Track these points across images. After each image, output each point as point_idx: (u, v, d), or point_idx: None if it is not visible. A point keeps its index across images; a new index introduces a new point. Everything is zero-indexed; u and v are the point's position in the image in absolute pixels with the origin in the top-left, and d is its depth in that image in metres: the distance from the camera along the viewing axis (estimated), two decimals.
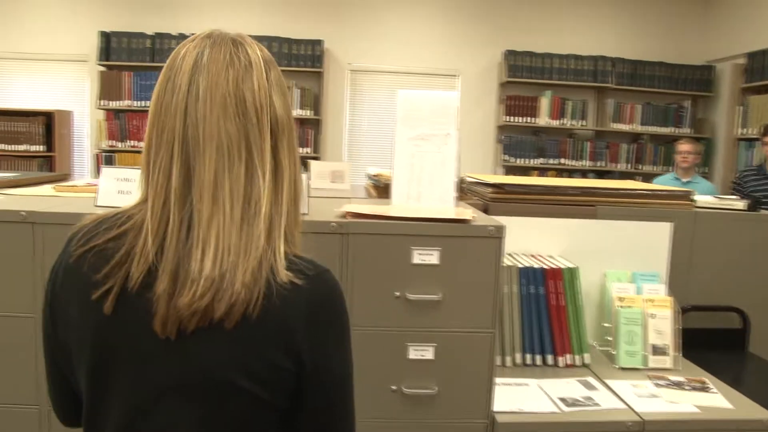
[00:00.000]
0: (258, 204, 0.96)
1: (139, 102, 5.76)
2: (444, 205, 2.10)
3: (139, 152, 5.82)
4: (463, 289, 1.86)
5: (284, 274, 0.95)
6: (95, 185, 2.55)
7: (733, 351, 2.68)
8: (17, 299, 1.81)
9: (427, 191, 2.14)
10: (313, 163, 3.01)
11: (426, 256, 1.85)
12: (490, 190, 2.60)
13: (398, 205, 2.08)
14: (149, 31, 5.80)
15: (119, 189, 1.94)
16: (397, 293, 1.83)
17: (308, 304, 0.97)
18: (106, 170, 1.95)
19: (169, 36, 5.77)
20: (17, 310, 1.81)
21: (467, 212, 2.01)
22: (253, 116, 0.97)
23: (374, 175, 2.84)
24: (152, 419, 0.96)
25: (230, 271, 0.92)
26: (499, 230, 1.86)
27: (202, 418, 0.95)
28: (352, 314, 1.83)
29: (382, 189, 2.57)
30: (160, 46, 5.75)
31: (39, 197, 2.18)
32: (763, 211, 2.90)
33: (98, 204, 1.93)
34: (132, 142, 5.82)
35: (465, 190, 2.81)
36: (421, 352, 1.85)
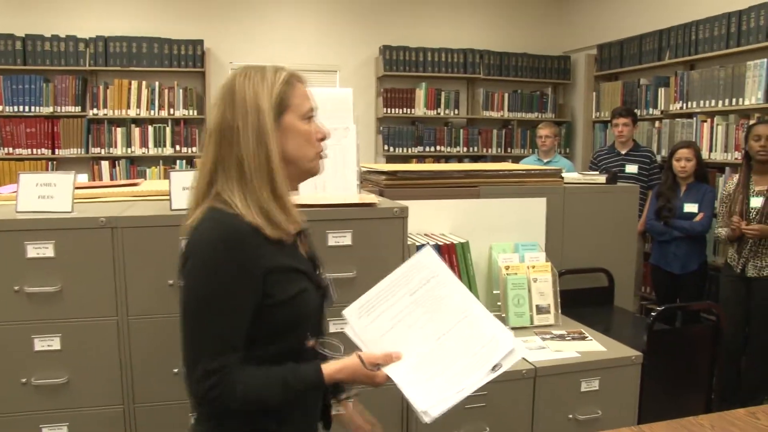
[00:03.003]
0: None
1: (11, 107, 5.48)
2: (348, 192, 2.30)
3: (16, 160, 5.58)
4: (374, 265, 2.06)
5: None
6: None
7: (602, 306, 3.04)
8: None
9: (331, 181, 2.32)
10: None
11: (340, 238, 2.05)
12: (383, 177, 2.81)
13: (308, 195, 2.25)
14: (19, 33, 5.54)
15: (39, 194, 1.98)
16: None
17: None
18: (24, 176, 1.98)
19: (42, 38, 5.54)
20: None
21: (372, 197, 2.22)
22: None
23: None
24: None
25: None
26: (403, 211, 2.09)
27: None
28: None
29: None
30: (32, 48, 5.51)
31: None
32: (620, 184, 3.30)
33: (19, 210, 1.97)
34: (7, 149, 5.53)
35: (360, 179, 3.01)
36: (340, 326, 2.04)
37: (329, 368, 1.35)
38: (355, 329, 1.40)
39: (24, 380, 1.95)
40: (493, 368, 1.34)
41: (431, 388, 1.33)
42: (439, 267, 1.42)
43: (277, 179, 1.32)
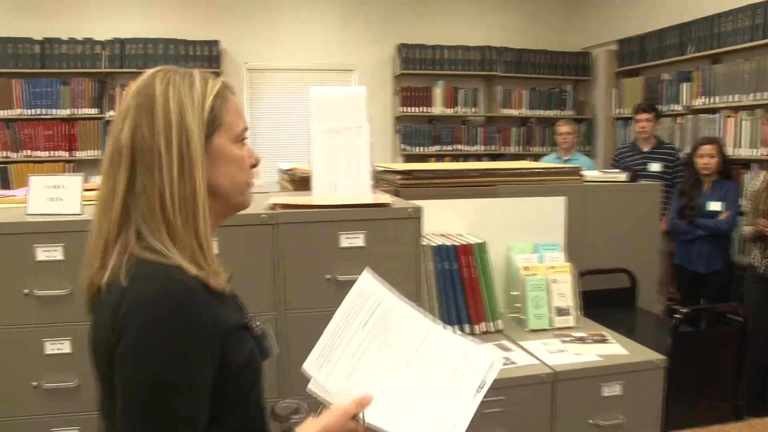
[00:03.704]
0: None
1: (30, 110, 5.54)
2: (362, 192, 2.25)
3: (34, 162, 5.63)
4: (388, 267, 2.00)
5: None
6: (10, 196, 2.53)
7: (624, 307, 2.98)
8: None
9: (344, 181, 2.28)
10: None
11: (353, 240, 2.00)
12: (399, 177, 2.76)
13: (320, 195, 2.21)
14: (37, 36, 5.59)
15: (49, 196, 1.96)
16: (328, 276, 1.97)
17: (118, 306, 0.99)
18: (34, 179, 1.96)
19: (59, 41, 5.57)
20: None
21: (386, 197, 2.17)
22: (107, 144, 1.10)
23: (288, 170, 2.94)
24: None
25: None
26: (417, 211, 2.04)
27: (99, 400, 1.08)
28: (286, 299, 1.96)
29: (297, 182, 2.68)
30: (50, 51, 5.55)
31: None
32: (642, 182, 3.23)
33: (29, 212, 1.95)
34: (26, 151, 5.59)
35: (375, 179, 2.97)
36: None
37: None
38: (320, 382, 1.21)
39: (35, 384, 1.93)
40: (479, 388, 1.25)
41: (424, 425, 1.22)
42: (382, 291, 1.29)
43: (201, 220, 1.06)
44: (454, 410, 1.22)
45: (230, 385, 1.06)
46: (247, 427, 1.12)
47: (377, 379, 1.23)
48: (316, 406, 1.22)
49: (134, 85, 1.09)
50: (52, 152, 5.65)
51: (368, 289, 1.28)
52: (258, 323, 1.21)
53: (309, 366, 1.22)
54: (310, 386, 1.20)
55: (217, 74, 5.90)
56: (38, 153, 5.62)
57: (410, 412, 1.22)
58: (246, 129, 1.17)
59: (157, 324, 0.97)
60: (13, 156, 5.61)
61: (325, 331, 1.24)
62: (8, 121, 5.64)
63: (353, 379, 1.22)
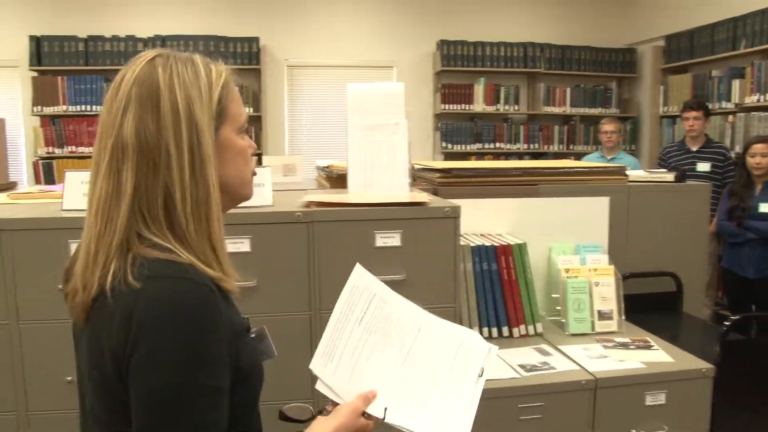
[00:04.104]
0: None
1: (74, 107, 5.65)
2: (399, 190, 2.20)
3: (78, 158, 5.73)
4: (424, 267, 1.97)
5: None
6: (50, 191, 2.55)
7: (669, 312, 2.87)
8: None
9: (381, 178, 2.23)
10: (265, 158, 3.07)
11: (388, 239, 1.96)
12: (437, 175, 2.71)
13: (356, 193, 2.17)
14: (82, 34, 5.68)
15: (85, 192, 1.96)
16: None
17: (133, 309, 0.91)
18: (70, 174, 1.96)
19: (102, 38, 5.67)
20: None
21: (423, 196, 2.12)
22: (98, 137, 0.99)
23: (325, 167, 2.91)
24: (85, 402, 1.03)
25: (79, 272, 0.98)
26: (455, 210, 1.98)
27: (90, 408, 1.00)
28: (320, 299, 1.93)
29: (335, 179, 2.65)
30: (93, 48, 5.64)
31: None
32: (690, 182, 3.12)
33: (65, 208, 1.95)
34: (70, 147, 5.70)
35: (413, 177, 2.92)
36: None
37: None
38: (326, 381, 1.20)
39: (69, 378, 1.93)
40: (479, 375, 1.25)
41: (433, 418, 1.21)
42: (374, 284, 1.28)
43: (215, 221, 0.99)
44: (458, 399, 1.23)
45: (239, 390, 1.00)
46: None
47: (379, 374, 1.23)
48: (322, 405, 1.22)
49: (130, 73, 0.98)
50: None
51: (361, 284, 1.27)
52: (254, 326, 1.15)
53: (315, 366, 1.22)
54: (319, 386, 1.20)
55: (257, 71, 5.96)
56: (82, 149, 5.72)
57: (416, 405, 1.21)
58: (247, 119, 1.11)
59: (179, 327, 0.90)
60: (58, 152, 5.73)
61: (326, 330, 1.23)
62: (53, 118, 5.75)
63: (356, 376, 1.22)
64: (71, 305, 1.00)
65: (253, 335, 1.13)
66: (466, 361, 1.26)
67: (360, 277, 1.28)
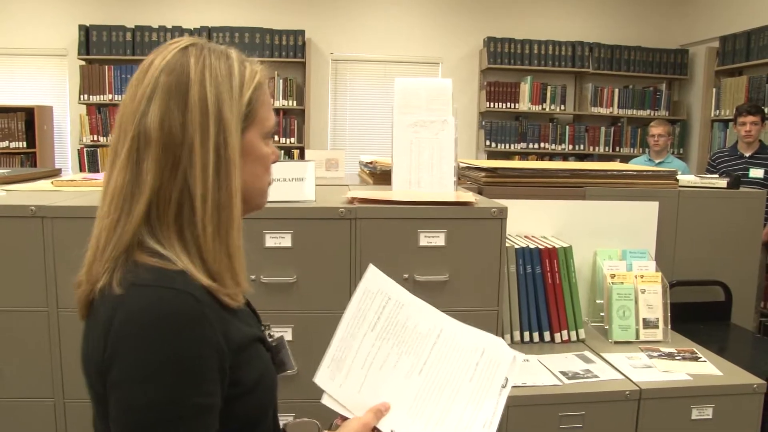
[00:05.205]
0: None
1: (120, 96, 5.73)
2: (444, 189, 2.17)
3: None
4: (468, 269, 1.93)
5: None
6: (93, 179, 2.58)
7: (717, 322, 2.78)
8: (28, 294, 1.83)
9: (427, 176, 2.20)
10: (308, 152, 3.07)
11: (432, 239, 1.92)
12: (483, 174, 2.66)
13: (401, 191, 2.14)
14: (129, 24, 5.77)
15: None
16: (406, 275, 1.90)
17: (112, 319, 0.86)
18: None
19: (149, 29, 5.74)
20: (29, 305, 1.84)
21: (469, 195, 2.08)
22: (118, 123, 0.93)
23: (369, 163, 2.89)
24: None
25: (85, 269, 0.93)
26: (502, 211, 1.94)
27: (94, 414, 0.96)
28: None
29: (378, 176, 2.62)
30: (140, 39, 5.72)
31: (41, 192, 2.18)
32: (743, 189, 3.01)
33: None
34: None
35: (458, 176, 2.88)
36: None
37: None
38: (332, 394, 1.13)
39: None
40: (503, 386, 1.15)
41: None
42: (389, 286, 1.20)
43: (235, 229, 0.93)
44: (480, 412, 1.13)
45: (242, 405, 0.93)
46: None
47: (393, 385, 1.14)
48: (330, 420, 1.15)
49: (160, 58, 0.92)
50: None
51: (374, 287, 1.20)
52: (274, 334, 1.09)
53: (320, 379, 1.14)
54: (325, 400, 1.13)
55: (302, 64, 5.97)
56: None
57: (433, 419, 1.13)
58: (275, 124, 1.04)
59: (158, 341, 0.83)
60: (102, 140, 5.82)
61: (333, 339, 1.16)
62: (99, 106, 5.85)
63: (367, 387, 1.14)
64: (77, 296, 0.95)
65: (274, 344, 1.08)
66: (489, 370, 1.17)
67: (373, 280, 1.20)
